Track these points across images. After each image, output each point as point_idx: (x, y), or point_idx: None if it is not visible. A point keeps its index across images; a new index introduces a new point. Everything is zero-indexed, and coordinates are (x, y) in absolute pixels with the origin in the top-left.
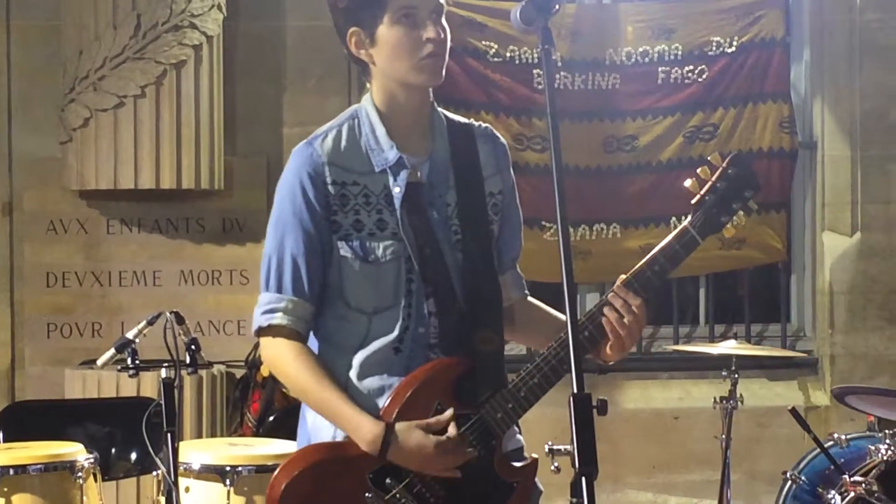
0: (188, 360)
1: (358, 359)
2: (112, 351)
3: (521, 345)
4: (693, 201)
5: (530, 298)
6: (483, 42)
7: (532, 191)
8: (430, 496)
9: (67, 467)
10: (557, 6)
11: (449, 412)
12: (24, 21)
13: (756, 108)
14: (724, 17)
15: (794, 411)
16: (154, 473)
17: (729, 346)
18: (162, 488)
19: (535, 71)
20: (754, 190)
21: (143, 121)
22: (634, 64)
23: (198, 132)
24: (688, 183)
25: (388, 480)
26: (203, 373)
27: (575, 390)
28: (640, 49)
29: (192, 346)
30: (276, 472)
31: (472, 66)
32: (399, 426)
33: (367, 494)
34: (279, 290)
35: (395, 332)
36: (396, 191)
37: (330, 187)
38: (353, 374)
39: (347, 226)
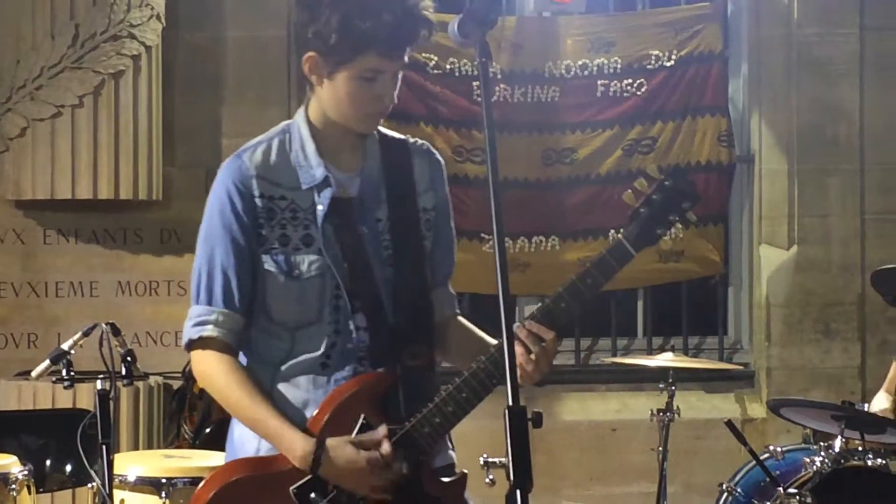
0: (124, 372)
1: (283, 371)
2: (47, 362)
3: (451, 365)
4: (628, 213)
5: (461, 318)
6: (423, 54)
7: (472, 203)
8: None
9: (1, 479)
10: (496, 20)
11: (382, 429)
12: None
13: (694, 121)
14: (662, 30)
15: (730, 423)
16: (89, 486)
17: (666, 359)
18: (97, 501)
19: (474, 83)
20: (693, 202)
21: (81, 131)
22: (574, 77)
23: (136, 142)
24: (625, 195)
25: (312, 495)
26: (140, 384)
27: (510, 403)
28: (580, 62)
29: (128, 358)
30: (199, 487)
31: (411, 79)
32: (330, 441)
33: None
34: (210, 302)
35: (322, 349)
36: (320, 209)
37: (257, 200)
38: (278, 387)
39: (273, 240)
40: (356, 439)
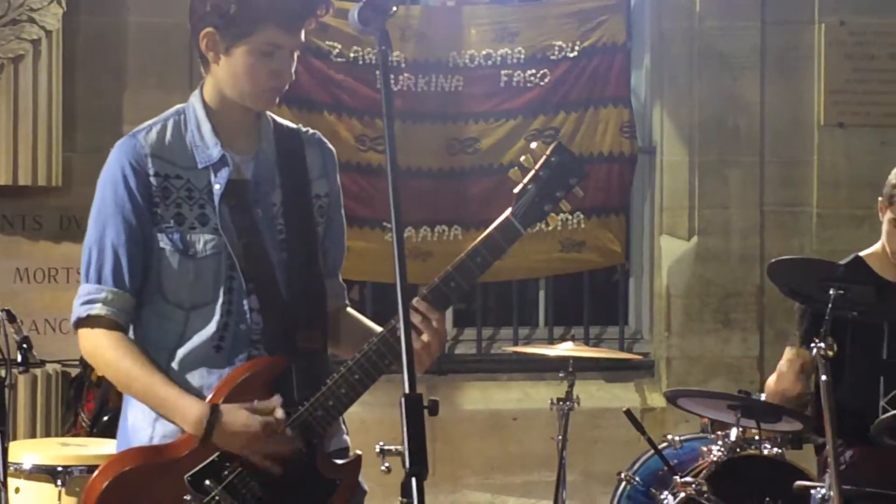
0: (20, 359)
1: (178, 355)
2: None
3: (340, 355)
4: (515, 190)
5: (350, 309)
6: (326, 42)
7: (374, 191)
8: (249, 496)
9: None
10: (395, 8)
11: (276, 398)
12: None
13: (597, 112)
14: (566, 21)
15: (628, 413)
16: None
17: (566, 348)
18: None
19: (378, 72)
20: (579, 178)
21: None
22: (478, 67)
23: (35, 128)
24: (511, 172)
25: (206, 482)
26: (38, 372)
27: (407, 391)
28: (484, 52)
29: (24, 345)
30: (92, 476)
31: (315, 67)
32: (224, 406)
33: (185, 497)
34: (99, 280)
35: (214, 329)
36: (217, 188)
37: (152, 179)
38: (172, 370)
39: (168, 218)
40: (250, 405)
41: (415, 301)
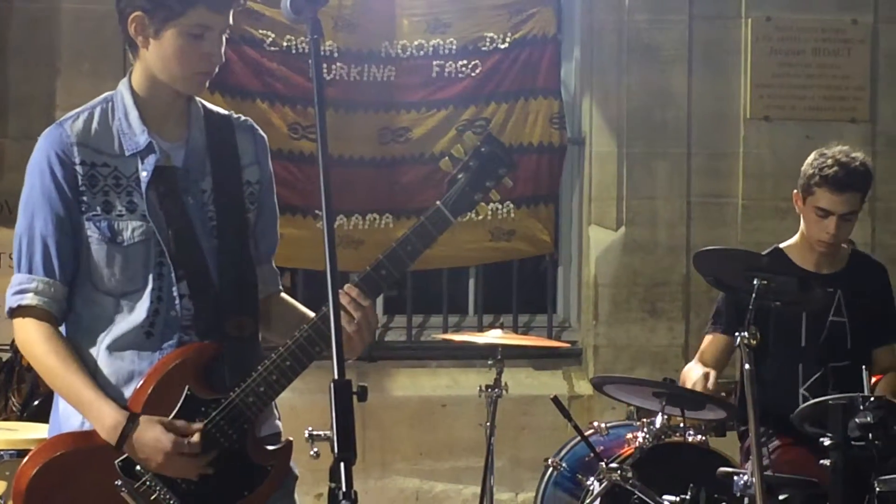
0: None
1: (108, 342)
2: None
3: (273, 340)
4: (447, 180)
5: (283, 295)
6: (260, 31)
7: (306, 180)
8: (181, 482)
9: None
10: None
11: (198, 425)
12: None
13: (527, 103)
14: (497, 13)
15: (556, 400)
16: None
17: (495, 336)
18: None
19: (311, 61)
20: (508, 168)
21: None
22: (410, 57)
23: None
24: (442, 163)
25: (137, 467)
26: None
27: (336, 376)
28: (416, 42)
29: None
30: (22, 462)
31: (248, 55)
32: (143, 418)
33: (117, 482)
34: (30, 270)
35: (144, 315)
36: (144, 175)
37: (78, 167)
38: (102, 358)
39: (96, 206)
40: (168, 422)
41: (346, 287)
